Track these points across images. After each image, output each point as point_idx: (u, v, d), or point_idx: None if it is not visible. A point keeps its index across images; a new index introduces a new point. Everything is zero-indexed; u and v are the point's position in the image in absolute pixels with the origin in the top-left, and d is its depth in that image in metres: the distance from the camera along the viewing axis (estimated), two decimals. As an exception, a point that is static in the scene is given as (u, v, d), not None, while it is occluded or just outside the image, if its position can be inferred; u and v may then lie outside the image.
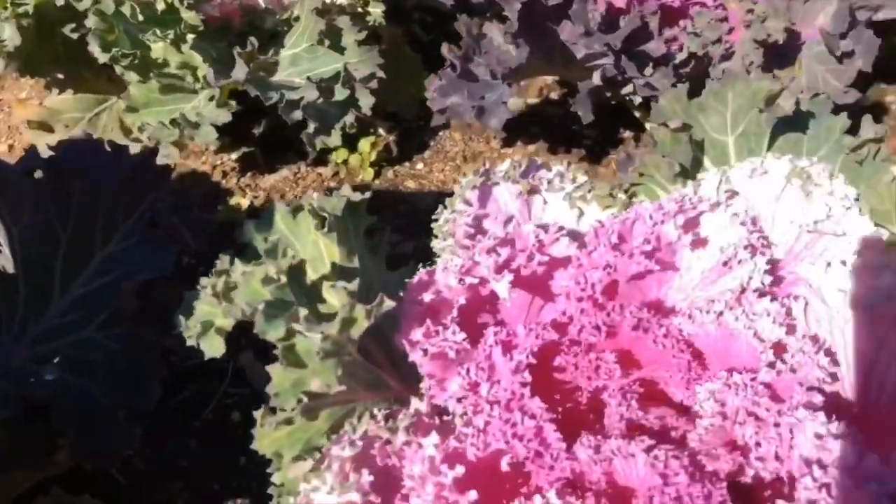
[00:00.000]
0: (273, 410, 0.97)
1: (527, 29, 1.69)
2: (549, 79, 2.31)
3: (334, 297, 1.16)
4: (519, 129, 2.20)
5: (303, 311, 0.94)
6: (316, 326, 0.93)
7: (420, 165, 2.17)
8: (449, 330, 1.07)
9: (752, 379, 0.98)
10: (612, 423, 1.01)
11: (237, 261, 1.04)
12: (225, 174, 2.14)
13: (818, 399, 0.95)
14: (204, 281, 1.06)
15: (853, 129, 1.40)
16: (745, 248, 1.09)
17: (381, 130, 2.23)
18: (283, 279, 0.97)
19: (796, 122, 1.43)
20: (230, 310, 0.99)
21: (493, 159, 2.17)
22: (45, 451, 1.26)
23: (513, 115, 2.19)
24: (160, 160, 1.46)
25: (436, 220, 1.30)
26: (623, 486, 0.94)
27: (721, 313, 1.04)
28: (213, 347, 1.01)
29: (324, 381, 0.94)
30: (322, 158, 2.15)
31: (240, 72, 1.74)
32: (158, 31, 1.76)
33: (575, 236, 1.19)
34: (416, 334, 1.07)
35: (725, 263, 1.08)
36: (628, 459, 0.92)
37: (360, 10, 2.00)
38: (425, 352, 1.06)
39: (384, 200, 2.07)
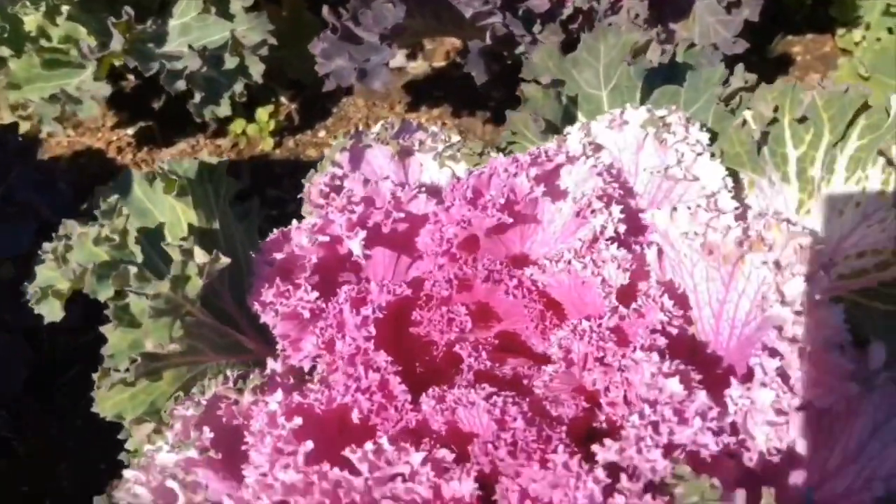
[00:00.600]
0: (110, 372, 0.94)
1: (410, -13, 1.67)
2: (458, 43, 2.29)
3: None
4: (423, 94, 2.18)
5: (132, 269, 0.91)
6: (146, 285, 0.91)
7: (322, 133, 2.14)
8: (301, 289, 1.05)
9: (599, 325, 0.98)
10: (463, 375, 1.01)
11: (76, 223, 1.01)
12: (120, 150, 2.09)
13: (661, 341, 0.95)
14: (46, 246, 1.03)
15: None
16: (600, 197, 1.09)
17: (282, 99, 2.19)
18: (117, 238, 0.94)
19: (674, 74, 1.43)
20: (66, 272, 0.96)
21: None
22: None
23: (417, 78, 2.18)
24: (45, 136, 1.43)
25: (307, 182, 1.29)
26: (466, 433, 0.94)
27: (570, 261, 1.03)
28: (53, 312, 0.98)
29: (158, 340, 0.92)
30: (221, 130, 2.11)
31: (117, 43, 1.70)
32: (29, 3, 1.70)
33: (435, 193, 1.18)
34: (268, 295, 1.05)
35: (579, 213, 1.08)
36: (469, 408, 0.92)
37: (251, -24, 1.96)
38: (277, 312, 1.04)
39: (285, 170, 2.04)
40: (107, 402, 0.94)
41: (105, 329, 0.93)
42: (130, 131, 2.12)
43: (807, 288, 0.90)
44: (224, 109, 1.87)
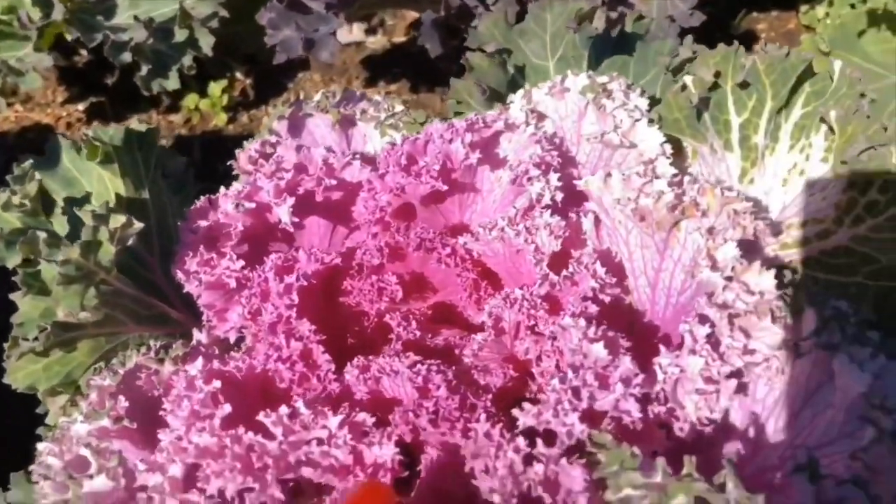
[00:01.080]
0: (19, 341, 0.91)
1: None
2: (419, 17, 2.25)
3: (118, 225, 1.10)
4: (382, 69, 2.14)
5: (42, 235, 0.88)
6: (56, 252, 0.87)
7: (278, 107, 2.10)
8: (227, 258, 1.02)
9: (531, 293, 0.95)
10: (392, 345, 0.98)
11: (-11, 189, 0.97)
12: (70, 125, 2.04)
13: (593, 309, 0.92)
14: (-45, 212, 0.99)
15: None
16: (538, 165, 1.06)
17: (237, 74, 2.15)
18: (29, 205, 0.90)
19: (624, 45, 1.40)
20: (-27, 236, 0.92)
21: (355, 104, 2.11)
22: None
23: (375, 53, 2.14)
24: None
25: (240, 152, 1.25)
26: (389, 401, 0.91)
27: (503, 229, 1.00)
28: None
29: (69, 308, 0.88)
30: (175, 105, 2.07)
31: (58, 13, 1.65)
32: (-35, -31, 1.66)
33: (370, 160, 1.15)
34: (192, 263, 1.02)
35: (515, 181, 1.05)
36: (392, 376, 0.89)
37: (202, -54, 1.91)
38: (201, 281, 1.01)
39: (237, 144, 1.98)
40: (18, 372, 0.91)
41: (15, 296, 0.89)
42: (81, 107, 2.07)
43: (739, 253, 0.88)
44: (172, 83, 1.82)
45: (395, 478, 0.83)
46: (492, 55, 1.33)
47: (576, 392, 0.80)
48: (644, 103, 1.09)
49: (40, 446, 0.90)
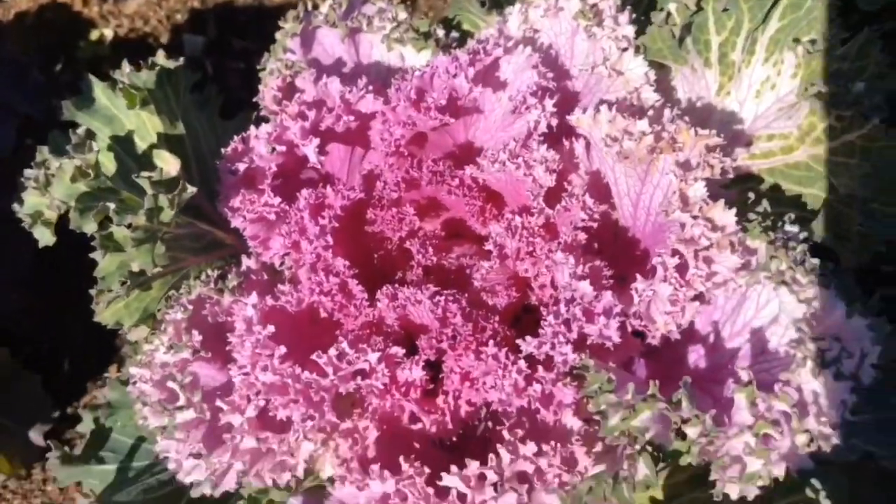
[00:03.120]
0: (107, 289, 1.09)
1: None
2: None
3: (163, 162, 1.26)
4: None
5: (111, 205, 1.03)
6: (125, 217, 1.03)
7: (286, -24, 2.14)
8: (265, 195, 1.17)
9: (529, 222, 1.11)
10: (413, 270, 1.15)
11: (50, 154, 1.11)
12: (85, 2, 2.10)
13: (582, 237, 1.09)
14: (28, 172, 1.13)
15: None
16: (534, 93, 1.17)
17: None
18: (92, 173, 1.05)
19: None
20: (51, 205, 1.08)
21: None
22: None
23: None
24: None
25: (262, 69, 1.36)
26: (416, 324, 1.10)
27: (504, 162, 1.14)
28: (45, 237, 1.11)
29: (143, 263, 1.06)
30: (182, -26, 2.11)
31: None
32: None
33: (383, 78, 1.27)
34: (235, 202, 1.18)
35: (514, 110, 1.17)
36: (416, 305, 1.07)
37: None
38: (245, 217, 1.17)
39: (248, 16, 2.06)
40: (105, 313, 1.10)
41: (95, 255, 1.06)
42: (91, -20, 2.12)
43: (707, 193, 1.03)
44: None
45: (423, 390, 1.05)
46: (490, -40, 1.39)
47: (567, 325, 0.99)
48: (631, 31, 1.18)
49: (132, 370, 1.11)
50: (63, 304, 1.60)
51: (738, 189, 1.24)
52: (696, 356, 1.10)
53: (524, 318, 1.19)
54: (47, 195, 1.09)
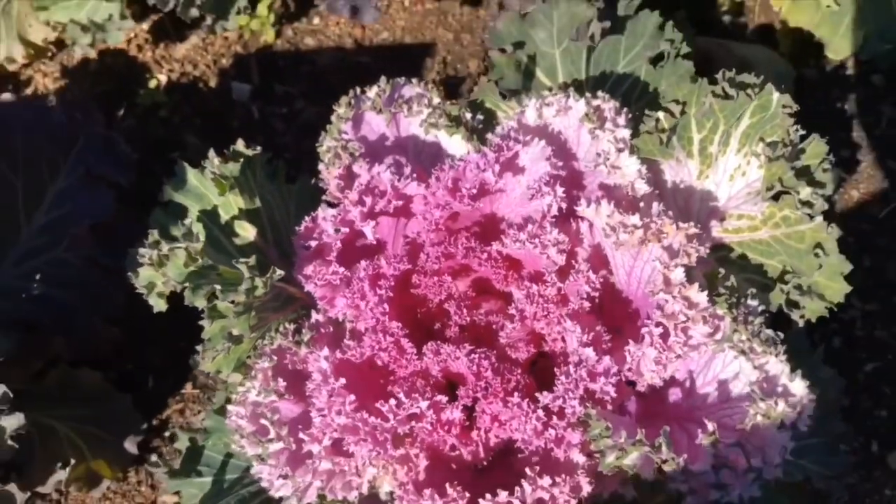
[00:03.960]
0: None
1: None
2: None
3: (243, 230, 1.54)
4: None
5: (218, 287, 1.32)
6: (228, 295, 1.32)
7: (317, 20, 2.37)
8: (332, 266, 1.46)
9: (544, 291, 1.40)
10: (451, 328, 1.44)
11: (160, 237, 1.39)
12: (140, 47, 2.34)
13: (587, 305, 1.38)
14: (142, 251, 1.41)
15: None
16: (547, 182, 1.45)
17: (274, -16, 2.39)
18: (200, 259, 1.33)
19: (617, 24, 1.71)
20: (166, 281, 1.36)
21: (383, 7, 2.36)
22: (42, 354, 1.68)
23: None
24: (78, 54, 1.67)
25: (320, 146, 1.63)
26: (455, 374, 1.40)
27: (524, 242, 1.42)
28: (159, 305, 1.39)
29: (241, 329, 1.35)
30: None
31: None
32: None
33: (420, 173, 1.54)
34: (308, 270, 1.46)
35: (531, 197, 1.45)
36: (455, 361, 1.37)
37: None
38: (316, 284, 1.46)
39: (287, 62, 2.31)
40: (209, 365, 1.39)
41: (203, 322, 1.35)
42: (145, 26, 2.36)
43: (684, 277, 1.31)
44: (232, 24, 2.11)
45: (461, 427, 1.35)
46: (510, 55, 1.66)
47: (575, 384, 1.28)
48: (627, 133, 1.45)
49: (230, 407, 1.40)
50: (145, 338, 1.90)
51: (714, 256, 1.53)
52: (675, 397, 1.40)
53: (539, 362, 1.49)
54: (160, 272, 1.38)
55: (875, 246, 1.98)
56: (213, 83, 2.28)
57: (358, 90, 1.66)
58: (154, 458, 1.86)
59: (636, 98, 1.70)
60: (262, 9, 2.32)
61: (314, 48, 2.36)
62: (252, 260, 1.35)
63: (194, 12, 2.01)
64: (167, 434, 1.91)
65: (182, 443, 1.56)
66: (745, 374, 1.28)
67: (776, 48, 2.30)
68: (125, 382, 1.93)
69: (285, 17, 2.38)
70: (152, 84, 2.28)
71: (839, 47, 2.15)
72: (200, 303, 1.33)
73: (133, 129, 2.19)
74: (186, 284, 1.33)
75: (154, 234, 1.41)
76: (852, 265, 1.34)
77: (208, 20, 2.06)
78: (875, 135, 2.11)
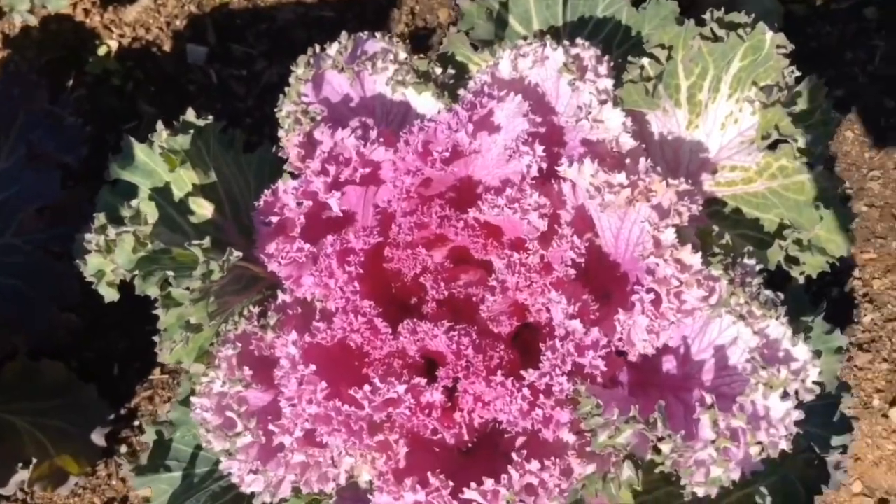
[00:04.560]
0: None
1: None
2: None
3: (199, 207, 1.43)
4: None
5: (170, 273, 1.21)
6: (183, 282, 1.21)
7: (275, -26, 2.23)
8: (296, 242, 1.35)
9: (526, 260, 1.30)
10: (428, 304, 1.34)
11: (107, 221, 1.27)
12: (87, 11, 2.19)
13: (572, 272, 1.28)
14: (88, 237, 1.30)
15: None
16: (525, 141, 1.34)
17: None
18: (149, 243, 1.22)
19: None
20: (115, 269, 1.25)
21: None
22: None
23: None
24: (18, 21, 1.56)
25: (279, 111, 1.51)
26: (434, 352, 1.30)
27: (503, 207, 1.31)
28: (109, 294, 1.28)
29: (199, 318, 1.24)
30: (180, -21, 2.20)
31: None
32: None
33: (388, 137, 1.42)
34: (271, 248, 1.35)
35: (509, 158, 1.34)
36: (433, 339, 1.27)
37: None
38: (280, 262, 1.35)
39: (245, 20, 2.17)
40: (168, 357, 1.29)
41: (158, 311, 1.24)
42: (91, -12, 2.21)
43: (675, 238, 1.21)
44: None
45: (442, 409, 1.25)
46: (480, 0, 1.53)
47: (562, 359, 1.19)
48: (609, 83, 1.34)
49: (193, 399, 1.31)
50: (106, 322, 1.79)
51: (706, 212, 1.43)
52: (669, 366, 1.31)
53: (523, 335, 1.39)
54: (109, 259, 1.26)
55: (869, 191, 1.89)
56: (167, 47, 2.14)
57: (318, 48, 1.54)
58: (124, 449, 1.76)
59: (618, 44, 1.58)
60: (215, -36, 2.18)
61: (274, 4, 2.21)
62: (207, 241, 1.24)
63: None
64: (136, 423, 1.82)
65: (149, 436, 1.47)
66: (743, 340, 1.19)
67: (764, -17, 2.18)
68: (89, 371, 1.83)
69: (241, -27, 2.23)
70: (102, 51, 2.14)
71: (829, -20, 2.04)
72: (153, 291, 1.22)
73: (83, 100, 2.05)
74: (136, 272, 1.22)
75: (100, 218, 1.30)
76: (855, 216, 1.25)
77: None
78: (869, 72, 2.00)
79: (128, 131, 2.03)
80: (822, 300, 1.33)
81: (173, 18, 2.19)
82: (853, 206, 1.90)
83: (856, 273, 1.84)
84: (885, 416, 1.71)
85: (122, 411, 1.85)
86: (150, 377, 1.89)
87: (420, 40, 2.03)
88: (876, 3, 2.06)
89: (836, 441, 1.36)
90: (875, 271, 1.83)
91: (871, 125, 1.96)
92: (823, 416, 1.38)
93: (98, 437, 1.70)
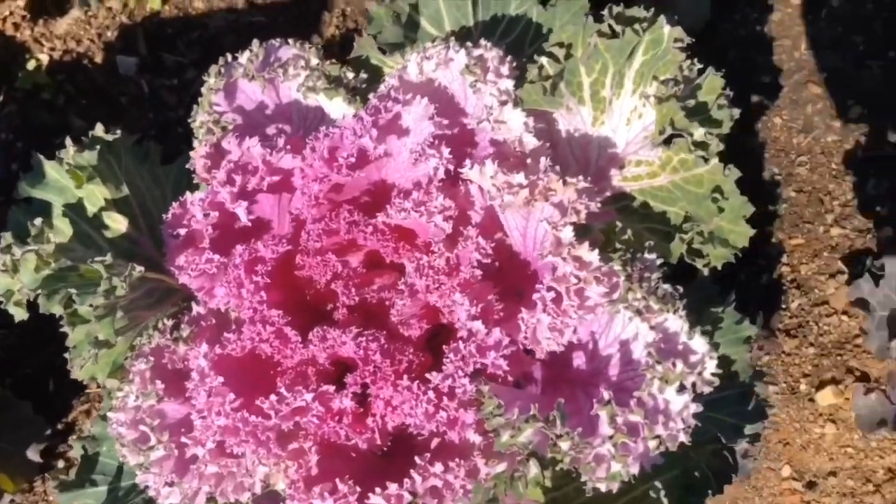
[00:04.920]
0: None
1: None
2: None
3: (113, 222, 1.44)
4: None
5: (73, 291, 1.21)
6: (85, 300, 1.22)
7: (205, -19, 2.23)
8: (205, 254, 1.35)
9: (433, 263, 1.31)
10: (339, 310, 1.35)
11: (13, 240, 1.28)
12: (17, 25, 2.18)
13: (478, 273, 1.29)
14: (-5, 255, 1.30)
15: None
16: (431, 144, 1.34)
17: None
18: (52, 261, 1.23)
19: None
20: (21, 288, 1.26)
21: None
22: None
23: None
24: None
25: (193, 121, 1.51)
26: (345, 358, 1.31)
27: (409, 211, 1.32)
28: (19, 314, 1.29)
29: (106, 334, 1.25)
30: (109, -10, 2.19)
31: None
32: None
33: (298, 144, 1.43)
34: (180, 260, 1.36)
35: (416, 161, 1.35)
36: (342, 346, 1.28)
37: None
38: (190, 274, 1.35)
39: (176, 29, 2.17)
40: (80, 373, 1.30)
41: (65, 329, 1.25)
42: (21, 2, 2.20)
43: (573, 236, 1.22)
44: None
45: (354, 415, 1.26)
46: (388, 3, 1.53)
47: (464, 361, 1.20)
48: (510, 84, 1.35)
49: (109, 414, 1.31)
50: (40, 337, 1.79)
51: (617, 206, 1.44)
52: (579, 361, 1.32)
53: (443, 333, 1.40)
54: (16, 278, 1.27)
55: (797, 176, 1.90)
56: (98, 58, 2.14)
57: (229, 56, 1.54)
58: (62, 464, 1.77)
59: (530, 41, 1.59)
60: (143, -26, 2.17)
61: (204, 11, 2.21)
62: (108, 258, 1.24)
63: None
64: (73, 437, 1.83)
65: (76, 451, 1.48)
66: (642, 336, 1.20)
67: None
68: (24, 387, 1.83)
69: (171, -19, 2.23)
70: (31, 65, 2.13)
71: (755, -34, 2.05)
72: (57, 309, 1.23)
73: (14, 116, 2.05)
74: (40, 291, 1.22)
75: (7, 238, 1.30)
76: (753, 208, 1.26)
77: (79, -8, 1.91)
78: (795, 57, 2.01)
79: (57, 146, 2.03)
80: (732, 291, 1.34)
81: (104, 30, 2.18)
82: (782, 192, 1.92)
83: (784, 259, 1.85)
84: (811, 400, 1.72)
85: (60, 426, 1.86)
86: (87, 391, 1.89)
87: (350, 42, 2.02)
88: (801, -10, 2.07)
89: (749, 429, 1.37)
90: (803, 257, 1.84)
91: (797, 111, 1.97)
92: (738, 405, 1.39)
93: (33, 454, 1.71)
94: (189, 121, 1.50)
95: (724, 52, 2.01)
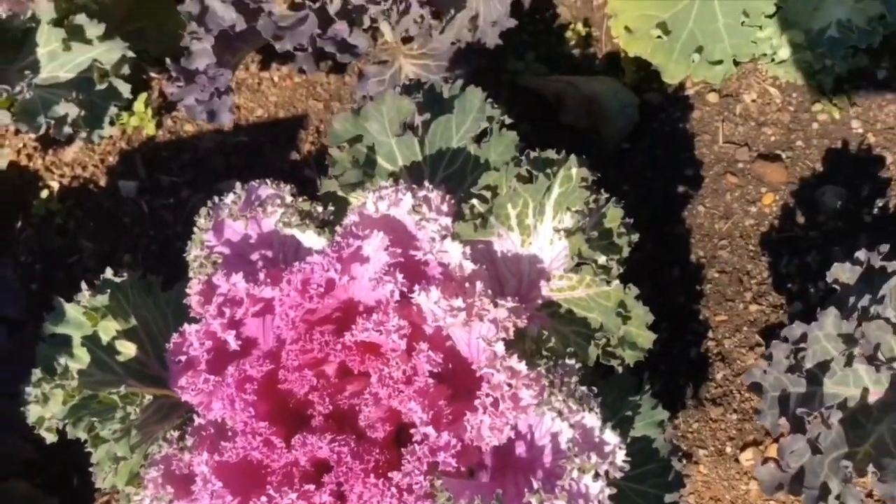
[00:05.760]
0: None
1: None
2: None
3: (124, 348, 1.70)
4: (274, 53, 2.52)
5: (94, 419, 1.48)
6: (105, 426, 1.48)
7: (194, 106, 2.51)
8: (202, 376, 1.62)
9: (392, 375, 1.57)
10: (316, 418, 1.61)
11: (42, 374, 1.54)
12: (30, 157, 2.47)
13: (431, 381, 1.55)
14: (28, 390, 1.57)
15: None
16: (387, 271, 1.62)
17: (152, 74, 2.52)
18: (76, 397, 1.49)
19: (446, 105, 1.87)
20: (51, 417, 1.52)
21: (255, 85, 2.50)
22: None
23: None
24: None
25: (188, 255, 1.78)
26: (322, 459, 1.57)
27: (370, 330, 1.59)
28: (50, 438, 1.55)
29: (123, 452, 1.51)
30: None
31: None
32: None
33: (277, 276, 1.70)
34: (182, 382, 1.62)
35: (375, 286, 1.62)
36: (319, 450, 1.54)
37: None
38: (190, 393, 1.62)
39: (170, 152, 2.44)
40: (103, 482, 1.55)
41: (90, 448, 1.51)
42: (33, 135, 2.48)
43: (504, 350, 1.49)
44: (107, 130, 2.25)
45: (332, 508, 1.52)
46: (347, 149, 1.81)
47: (419, 461, 1.46)
48: (449, 221, 1.62)
49: (129, 516, 1.57)
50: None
51: (547, 312, 1.71)
52: (521, 450, 1.58)
53: (406, 430, 1.66)
54: (46, 408, 1.53)
55: (720, 258, 2.17)
56: (102, 182, 2.42)
57: (216, 199, 1.82)
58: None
59: (471, 169, 1.86)
60: (139, 105, 2.45)
61: (194, 133, 2.49)
62: (122, 389, 1.51)
63: (67, 130, 2.15)
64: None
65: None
66: (564, 433, 1.46)
67: (624, 75, 2.47)
68: (52, 485, 2.09)
69: (164, 108, 2.50)
70: (44, 194, 2.41)
71: (674, 72, 2.33)
72: (82, 435, 1.49)
73: (31, 241, 2.32)
74: (67, 420, 1.48)
75: (37, 373, 1.57)
76: (653, 317, 1.53)
77: (83, 133, 2.19)
78: (714, 150, 2.29)
79: (71, 266, 2.31)
80: (647, 382, 1.60)
81: (106, 155, 2.46)
82: (706, 273, 2.18)
83: (710, 334, 2.11)
84: (736, 460, 1.97)
85: (84, 522, 2.12)
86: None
87: (323, 155, 2.30)
88: (716, 90, 2.36)
89: (668, 498, 1.62)
90: (726, 331, 2.10)
91: (718, 199, 2.24)
92: (658, 478, 1.65)
93: (61, 547, 1.96)
94: (185, 253, 1.76)
95: (652, 150, 2.29)
